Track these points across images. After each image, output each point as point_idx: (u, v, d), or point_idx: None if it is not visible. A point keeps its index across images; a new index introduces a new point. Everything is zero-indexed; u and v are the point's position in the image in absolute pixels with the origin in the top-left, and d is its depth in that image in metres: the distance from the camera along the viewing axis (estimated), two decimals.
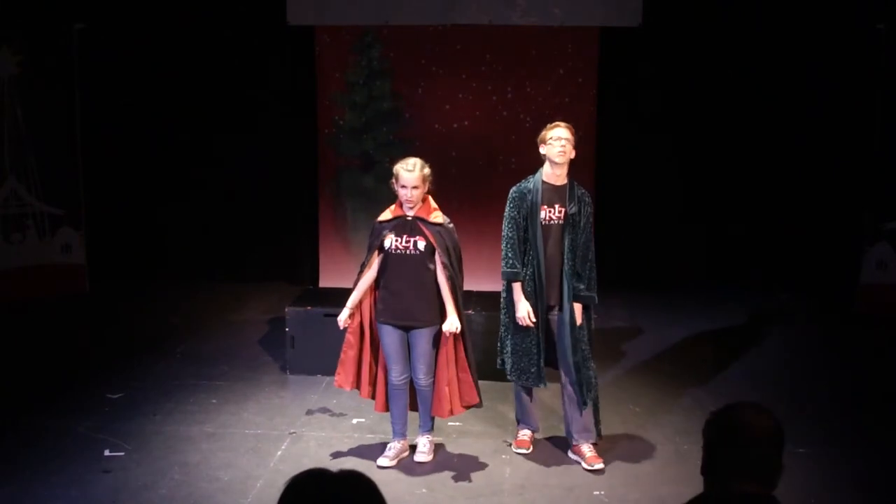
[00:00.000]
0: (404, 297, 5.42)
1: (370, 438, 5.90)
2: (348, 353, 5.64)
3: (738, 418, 2.60)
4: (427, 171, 5.45)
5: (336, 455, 5.64)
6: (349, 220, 9.13)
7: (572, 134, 5.45)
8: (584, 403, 5.41)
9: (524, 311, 5.34)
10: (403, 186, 5.42)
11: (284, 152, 9.45)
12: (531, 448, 5.69)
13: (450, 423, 6.12)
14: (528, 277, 5.40)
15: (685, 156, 9.23)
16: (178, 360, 7.43)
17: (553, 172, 5.41)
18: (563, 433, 5.77)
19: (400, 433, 5.61)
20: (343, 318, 5.55)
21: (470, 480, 5.34)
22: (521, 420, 5.79)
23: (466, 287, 5.75)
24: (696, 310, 8.72)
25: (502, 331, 5.65)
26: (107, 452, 5.66)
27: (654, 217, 9.31)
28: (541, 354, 5.45)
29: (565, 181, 5.43)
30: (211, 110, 9.35)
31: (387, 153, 9.00)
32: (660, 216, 9.31)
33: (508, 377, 5.61)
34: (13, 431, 5.97)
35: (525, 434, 5.76)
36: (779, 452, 2.56)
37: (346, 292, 7.81)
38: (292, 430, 6.01)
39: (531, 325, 5.34)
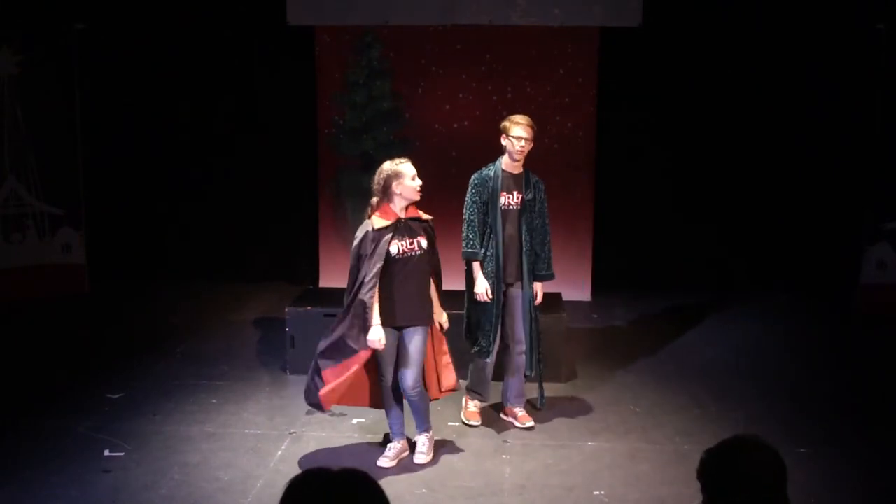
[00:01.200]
0: (413, 298, 5.40)
1: (370, 438, 5.90)
2: (348, 372, 5.36)
3: (739, 460, 2.44)
4: None
5: (336, 455, 5.64)
6: (349, 220, 9.13)
7: (533, 131, 5.84)
8: (531, 371, 5.98)
9: (482, 287, 5.78)
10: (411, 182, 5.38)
11: (285, 152, 9.45)
12: (481, 420, 6.06)
13: (450, 424, 6.13)
14: (488, 257, 5.83)
15: (685, 156, 9.23)
16: (178, 360, 7.42)
17: (512, 163, 5.85)
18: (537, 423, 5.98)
19: (398, 433, 5.60)
20: (381, 339, 5.29)
21: (470, 480, 5.34)
22: (475, 390, 6.09)
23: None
24: (696, 310, 8.73)
25: (468, 306, 5.99)
26: (107, 452, 5.66)
27: (654, 217, 9.30)
28: (494, 331, 5.87)
29: (521, 170, 5.88)
30: (210, 110, 9.35)
31: (387, 153, 8.97)
32: (660, 216, 9.30)
33: (487, 358, 5.96)
34: (13, 431, 5.97)
35: (475, 405, 6.11)
36: (782, 489, 2.43)
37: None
38: (292, 430, 6.00)
39: (488, 300, 5.76)
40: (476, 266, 5.82)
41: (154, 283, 9.48)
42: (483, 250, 5.81)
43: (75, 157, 9.19)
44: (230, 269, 9.55)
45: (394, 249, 5.34)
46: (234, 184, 9.48)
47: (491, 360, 5.97)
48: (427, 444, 5.60)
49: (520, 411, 6.07)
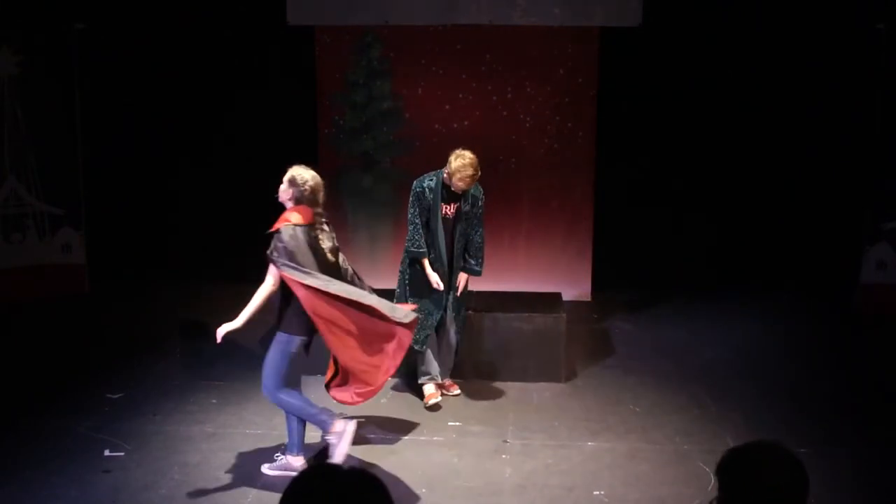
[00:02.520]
0: None
1: (370, 438, 5.90)
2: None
3: (760, 466, 2.35)
4: None
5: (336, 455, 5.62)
6: (349, 220, 9.14)
7: (477, 169, 6.23)
8: (457, 352, 6.59)
9: (436, 279, 6.27)
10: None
11: (285, 152, 9.41)
12: (440, 397, 6.42)
13: (450, 424, 6.13)
14: (432, 257, 6.31)
15: (685, 156, 9.24)
16: (178, 360, 7.40)
17: (455, 188, 6.23)
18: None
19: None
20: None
21: (470, 480, 5.33)
22: (427, 372, 6.43)
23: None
24: (697, 310, 8.74)
25: (398, 293, 6.39)
26: (107, 452, 5.66)
27: (654, 216, 9.31)
28: (433, 325, 6.36)
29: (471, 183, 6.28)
30: (211, 110, 9.35)
31: (387, 153, 9.03)
32: (660, 216, 9.31)
33: (419, 347, 6.31)
34: (13, 431, 5.97)
35: (431, 387, 6.43)
36: (803, 500, 2.33)
37: None
38: None
39: (442, 289, 6.27)
40: (426, 263, 6.28)
41: (154, 283, 9.48)
42: (426, 250, 6.28)
43: (75, 157, 9.20)
44: (230, 269, 9.52)
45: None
46: (234, 184, 9.48)
47: (420, 347, 6.34)
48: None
49: (447, 381, 6.57)
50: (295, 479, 2.05)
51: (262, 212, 9.38)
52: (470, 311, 6.88)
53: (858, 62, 8.70)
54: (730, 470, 2.37)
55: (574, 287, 8.85)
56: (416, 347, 6.28)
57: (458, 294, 6.45)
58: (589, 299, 8.99)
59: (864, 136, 8.65)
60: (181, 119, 9.40)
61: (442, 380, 6.59)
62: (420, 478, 5.35)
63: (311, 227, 5.36)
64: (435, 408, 6.37)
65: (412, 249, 6.31)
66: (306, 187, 5.42)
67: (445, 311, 6.44)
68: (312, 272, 5.21)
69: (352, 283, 5.53)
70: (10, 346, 7.71)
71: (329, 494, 2.01)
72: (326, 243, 5.41)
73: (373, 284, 8.32)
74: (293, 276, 5.18)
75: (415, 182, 6.38)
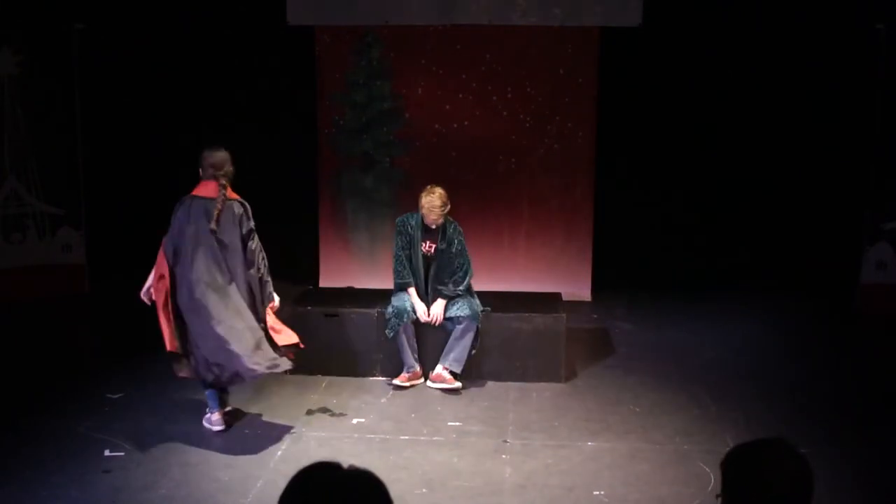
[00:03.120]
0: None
1: (370, 438, 5.90)
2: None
3: (763, 464, 2.32)
4: None
5: (336, 454, 5.61)
6: (349, 220, 9.15)
7: (445, 201, 6.63)
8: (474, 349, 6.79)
9: (422, 309, 6.72)
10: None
11: (285, 152, 9.45)
12: (406, 383, 6.75)
13: (450, 423, 6.13)
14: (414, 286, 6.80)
15: (685, 156, 9.25)
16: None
17: (428, 221, 6.69)
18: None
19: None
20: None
21: (470, 480, 5.33)
22: (403, 361, 6.78)
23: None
24: (697, 310, 8.74)
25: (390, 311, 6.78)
26: (107, 452, 5.65)
27: (654, 217, 9.32)
28: (405, 321, 6.72)
29: (439, 225, 6.71)
30: (211, 110, 9.34)
31: (387, 153, 9.03)
32: (660, 216, 9.32)
33: (389, 331, 6.73)
34: (13, 431, 5.96)
35: (405, 375, 6.77)
36: (808, 497, 2.30)
37: (346, 292, 7.84)
38: (292, 430, 6.00)
39: (430, 320, 6.74)
40: (411, 291, 6.75)
41: None
42: (413, 284, 6.77)
43: (75, 157, 9.21)
44: None
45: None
46: (234, 184, 9.45)
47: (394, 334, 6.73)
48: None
49: (447, 375, 6.72)
50: (294, 479, 2.04)
51: (262, 211, 9.44)
52: (487, 309, 6.87)
53: (858, 62, 8.70)
54: (734, 467, 2.35)
55: (574, 287, 8.85)
56: (387, 332, 6.72)
57: (436, 323, 6.75)
58: (589, 299, 8.99)
59: (864, 136, 8.65)
60: (181, 119, 9.39)
61: (446, 366, 6.74)
62: (420, 477, 5.35)
63: (208, 201, 5.87)
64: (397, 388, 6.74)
65: (398, 281, 6.81)
66: (205, 163, 6.04)
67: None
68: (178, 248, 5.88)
69: (254, 273, 5.99)
70: (10, 345, 7.70)
71: (328, 493, 2.01)
72: (226, 221, 5.82)
73: (373, 284, 8.43)
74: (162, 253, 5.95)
75: (398, 218, 6.91)
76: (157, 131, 9.47)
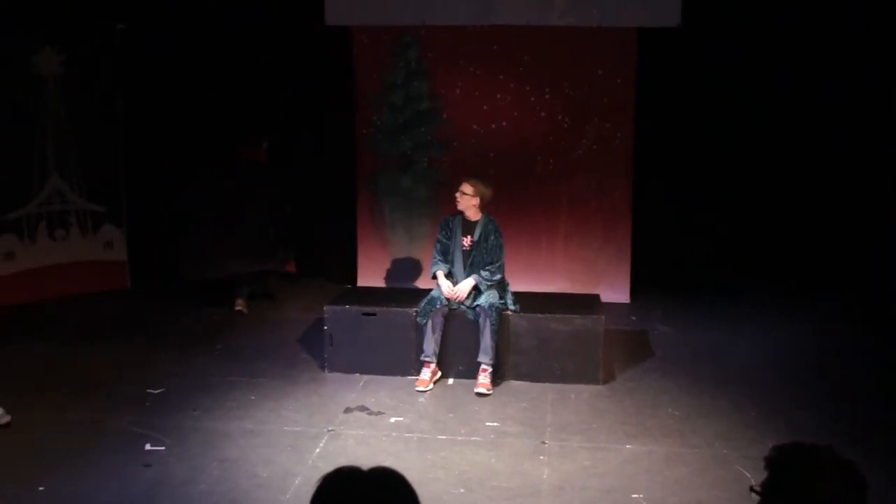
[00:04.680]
0: None
1: (408, 437, 5.91)
2: None
3: (810, 474, 2.25)
4: None
5: (373, 453, 5.65)
6: (387, 220, 9.17)
7: (472, 187, 6.90)
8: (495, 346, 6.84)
9: (448, 286, 6.89)
10: None
11: (323, 152, 9.49)
12: (431, 385, 6.77)
13: (488, 424, 6.13)
14: (451, 273, 7.03)
15: (725, 157, 9.16)
16: (217, 356, 7.49)
17: (467, 213, 6.97)
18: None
19: None
20: None
21: (507, 481, 5.33)
22: (423, 349, 6.83)
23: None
24: (737, 313, 8.64)
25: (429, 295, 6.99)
26: (147, 447, 5.71)
27: (694, 219, 9.25)
28: (439, 306, 6.87)
29: (477, 218, 6.97)
30: (249, 110, 9.40)
31: (425, 153, 9.05)
32: (699, 218, 9.25)
33: (420, 318, 6.88)
34: (56, 425, 6.05)
35: (426, 372, 6.79)
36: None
37: (384, 291, 7.87)
38: (331, 428, 6.03)
39: (454, 296, 6.89)
40: (439, 275, 6.96)
41: (195, 281, 9.58)
42: (448, 268, 7.02)
43: (117, 156, 9.32)
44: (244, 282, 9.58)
45: None
46: (273, 181, 9.51)
47: (427, 322, 6.85)
48: None
49: (483, 378, 6.73)
50: (322, 481, 2.06)
51: (301, 211, 9.50)
52: (507, 311, 6.88)
53: None
54: (779, 471, 2.32)
55: (612, 289, 8.81)
56: (419, 320, 6.83)
57: (457, 299, 6.87)
58: (627, 301, 8.94)
59: None
60: (219, 119, 9.46)
61: (479, 360, 6.78)
62: (457, 477, 5.35)
63: None
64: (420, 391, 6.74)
65: (432, 266, 7.10)
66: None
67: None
68: None
69: None
70: (54, 340, 7.80)
71: (356, 494, 2.04)
72: None
73: (411, 284, 8.46)
74: None
75: (444, 217, 7.20)
76: (197, 131, 9.55)
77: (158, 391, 6.66)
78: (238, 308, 8.71)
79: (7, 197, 8.72)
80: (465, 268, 6.95)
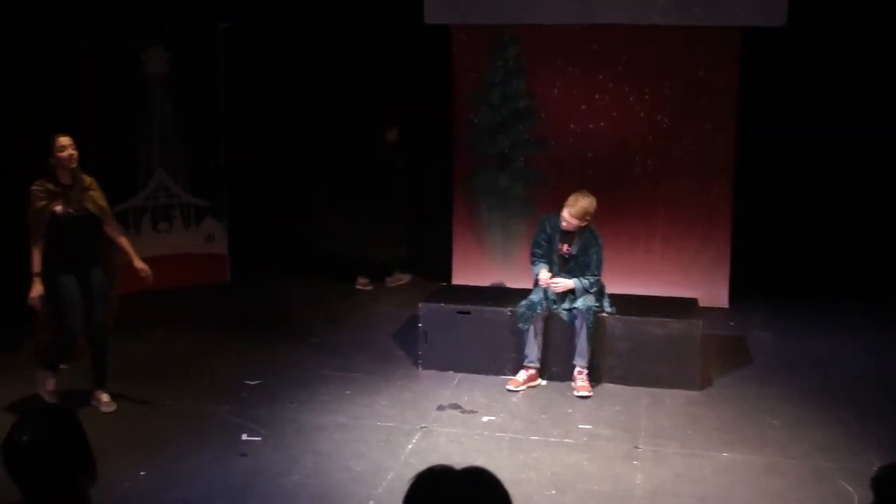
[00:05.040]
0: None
1: (500, 437, 5.90)
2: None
3: None
4: None
5: (465, 451, 5.66)
6: (483, 219, 9.17)
7: (584, 215, 6.70)
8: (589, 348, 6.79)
9: (546, 277, 6.75)
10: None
11: (420, 150, 9.55)
12: (523, 386, 6.73)
13: (580, 426, 6.08)
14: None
15: (829, 160, 8.89)
16: (313, 350, 7.60)
17: (561, 219, 6.79)
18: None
19: None
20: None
21: (599, 484, 5.27)
22: (526, 354, 6.79)
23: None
24: (840, 320, 8.35)
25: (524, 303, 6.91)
26: (244, 437, 5.84)
27: (795, 223, 9.00)
28: (539, 310, 6.81)
29: (576, 229, 6.78)
30: (349, 108, 9.51)
31: (522, 152, 9.02)
32: (801, 222, 9.00)
33: (523, 324, 6.83)
34: (158, 412, 6.23)
35: (522, 373, 6.78)
36: None
37: (479, 290, 7.88)
38: (423, 425, 6.06)
39: (547, 283, 6.77)
40: (540, 275, 6.81)
41: (291, 275, 9.76)
42: (547, 267, 6.86)
43: (219, 151, 9.53)
44: (365, 264, 9.71)
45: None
46: (370, 181, 9.62)
47: (529, 327, 6.80)
48: None
49: (580, 380, 6.69)
50: (415, 478, 2.07)
51: (398, 208, 9.58)
52: (604, 314, 6.82)
53: None
54: (888, 489, 2.24)
55: (711, 293, 8.63)
56: (521, 326, 6.78)
57: (549, 287, 6.75)
58: (726, 306, 8.75)
59: None
60: (319, 116, 9.60)
61: (573, 362, 6.75)
62: (549, 479, 5.32)
63: None
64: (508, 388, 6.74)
65: (532, 259, 6.96)
66: None
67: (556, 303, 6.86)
68: None
69: None
70: (157, 331, 8.03)
71: (448, 493, 2.03)
72: None
73: (507, 283, 8.44)
74: None
75: (542, 216, 7.04)
76: (297, 128, 9.71)
77: (256, 382, 6.80)
78: (359, 286, 9.26)
79: (114, 190, 8.96)
80: (560, 272, 6.85)
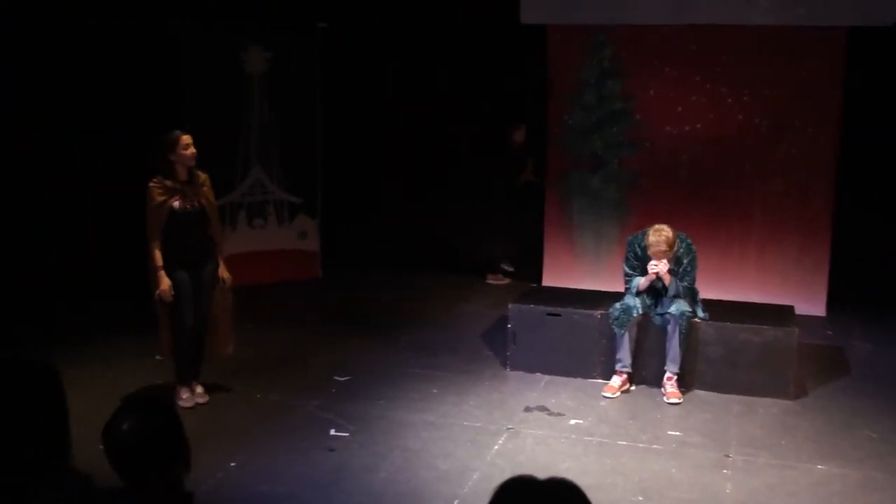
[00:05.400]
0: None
1: (587, 441, 5.85)
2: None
3: None
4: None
5: (552, 454, 5.63)
6: (575, 221, 9.11)
7: (671, 244, 6.52)
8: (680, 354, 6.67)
9: (653, 270, 6.59)
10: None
11: (512, 150, 9.53)
12: (618, 393, 6.64)
13: (669, 432, 5.99)
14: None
15: None
16: (402, 348, 7.65)
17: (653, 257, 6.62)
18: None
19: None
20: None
21: (688, 492, 5.18)
22: (619, 359, 6.72)
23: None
24: None
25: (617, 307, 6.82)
26: (332, 432, 5.91)
27: None
28: (635, 315, 6.73)
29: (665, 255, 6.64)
30: (443, 108, 9.56)
31: (615, 154, 8.92)
32: None
33: (619, 329, 6.74)
34: (248, 405, 6.36)
35: (616, 379, 6.70)
36: None
37: (569, 292, 7.83)
38: (510, 426, 6.04)
39: (659, 271, 6.59)
40: (635, 284, 6.74)
41: (381, 273, 9.85)
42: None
43: (314, 150, 9.67)
44: (456, 263, 9.75)
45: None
46: (462, 180, 9.66)
47: (625, 332, 6.72)
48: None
49: (670, 387, 6.60)
50: (499, 489, 2.06)
51: (489, 208, 9.58)
52: (696, 320, 6.71)
53: None
54: None
55: (808, 300, 8.40)
56: (617, 331, 6.72)
57: (654, 269, 6.60)
58: (823, 314, 8.51)
59: None
60: (413, 116, 9.67)
61: (664, 368, 6.67)
62: (636, 485, 5.25)
63: None
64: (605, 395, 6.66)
65: (627, 286, 6.83)
66: None
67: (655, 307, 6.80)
68: None
69: None
70: (249, 325, 8.17)
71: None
72: None
73: (597, 286, 8.37)
74: None
75: (630, 236, 6.90)
76: (390, 127, 9.80)
77: (345, 378, 6.88)
78: (493, 281, 9.55)
79: (212, 186, 9.18)
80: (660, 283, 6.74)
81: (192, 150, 6.09)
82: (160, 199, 6.03)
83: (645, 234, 6.66)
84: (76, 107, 8.64)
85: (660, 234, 6.49)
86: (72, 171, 8.64)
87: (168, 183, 6.06)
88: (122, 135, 8.56)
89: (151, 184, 6.05)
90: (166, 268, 6.06)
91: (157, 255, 6.04)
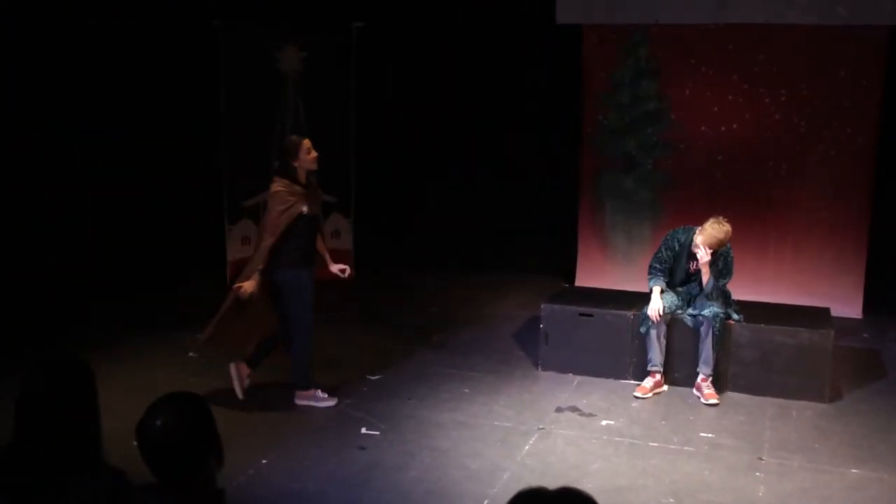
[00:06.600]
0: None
1: (618, 441, 5.83)
2: None
3: None
4: None
5: (582, 454, 5.61)
6: (608, 221, 9.07)
7: (723, 243, 6.48)
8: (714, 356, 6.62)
9: (654, 310, 6.57)
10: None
11: (548, 150, 9.52)
12: (650, 394, 6.60)
13: (702, 434, 5.95)
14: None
15: None
16: (433, 348, 7.67)
17: (703, 244, 6.52)
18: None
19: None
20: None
21: (720, 495, 5.14)
22: (650, 359, 6.68)
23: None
24: None
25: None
26: (363, 430, 5.93)
27: None
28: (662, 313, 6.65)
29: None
30: (477, 107, 9.56)
31: (649, 155, 8.88)
32: None
33: (643, 327, 6.71)
34: (281, 402, 6.39)
35: (648, 380, 6.65)
36: None
37: (602, 292, 7.80)
38: (541, 426, 6.03)
39: (656, 319, 6.60)
40: (655, 290, 6.63)
41: (414, 273, 9.86)
42: (666, 283, 6.71)
43: (348, 149, 9.71)
44: (488, 263, 9.75)
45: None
46: (496, 180, 9.66)
47: (650, 330, 6.66)
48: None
49: (706, 388, 6.55)
50: (510, 501, 2.05)
51: (523, 208, 9.57)
52: (730, 321, 6.66)
53: None
54: None
55: (843, 303, 8.31)
56: (641, 329, 6.70)
57: (700, 259, 6.55)
58: (859, 317, 8.41)
59: None
60: (448, 116, 9.68)
61: (697, 370, 6.62)
62: (667, 487, 5.22)
63: None
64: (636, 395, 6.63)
65: (650, 277, 6.77)
66: None
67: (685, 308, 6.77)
68: None
69: None
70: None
71: None
72: None
73: (629, 287, 8.34)
74: None
75: (670, 231, 6.80)
76: (425, 127, 9.81)
77: (376, 377, 6.90)
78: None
79: (246, 184, 9.27)
80: (684, 287, 6.75)
81: (313, 154, 6.13)
82: (290, 201, 6.08)
83: (687, 229, 6.65)
84: (76, 107, 8.69)
85: (722, 225, 6.45)
86: (72, 171, 8.69)
87: (296, 188, 6.11)
88: (122, 135, 8.63)
89: (278, 189, 6.09)
90: (293, 267, 6.14)
91: (266, 258, 6.08)
